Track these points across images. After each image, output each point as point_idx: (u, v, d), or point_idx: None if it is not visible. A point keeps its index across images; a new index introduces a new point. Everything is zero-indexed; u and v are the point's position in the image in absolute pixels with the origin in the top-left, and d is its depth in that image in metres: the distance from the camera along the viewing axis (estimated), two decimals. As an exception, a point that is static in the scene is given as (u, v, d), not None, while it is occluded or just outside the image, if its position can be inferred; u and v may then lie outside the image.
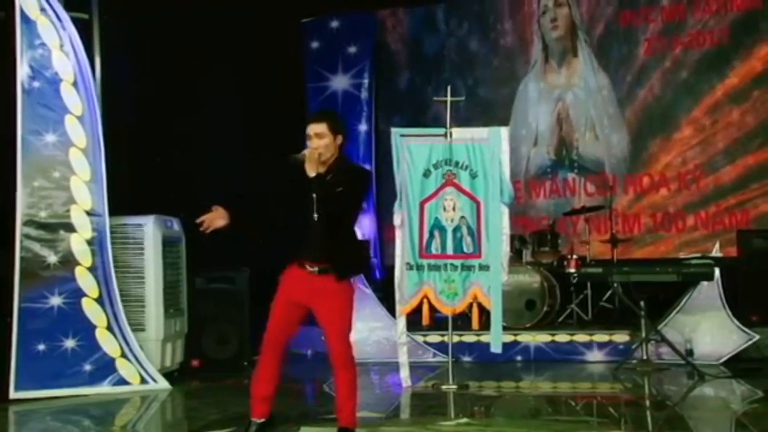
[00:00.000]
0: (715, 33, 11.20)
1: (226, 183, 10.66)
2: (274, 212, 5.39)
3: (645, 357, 8.45)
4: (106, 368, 7.69)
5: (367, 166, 12.50)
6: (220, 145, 10.73)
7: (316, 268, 5.21)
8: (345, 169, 5.33)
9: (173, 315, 8.62)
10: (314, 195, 5.18)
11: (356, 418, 5.37)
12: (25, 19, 7.72)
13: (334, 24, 12.74)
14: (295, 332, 5.43)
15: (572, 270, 9.89)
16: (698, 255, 9.43)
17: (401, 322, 7.77)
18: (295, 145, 11.72)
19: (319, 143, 5.21)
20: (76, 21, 8.08)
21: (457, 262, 7.70)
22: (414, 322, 8.14)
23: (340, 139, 5.30)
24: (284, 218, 5.34)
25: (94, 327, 7.71)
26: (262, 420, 5.38)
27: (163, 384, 7.88)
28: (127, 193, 8.71)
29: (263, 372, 5.36)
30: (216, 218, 5.24)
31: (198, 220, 5.26)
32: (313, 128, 5.25)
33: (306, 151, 5.22)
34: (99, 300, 7.76)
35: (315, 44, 12.81)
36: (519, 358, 9.13)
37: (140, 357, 7.85)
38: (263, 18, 11.35)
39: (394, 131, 7.91)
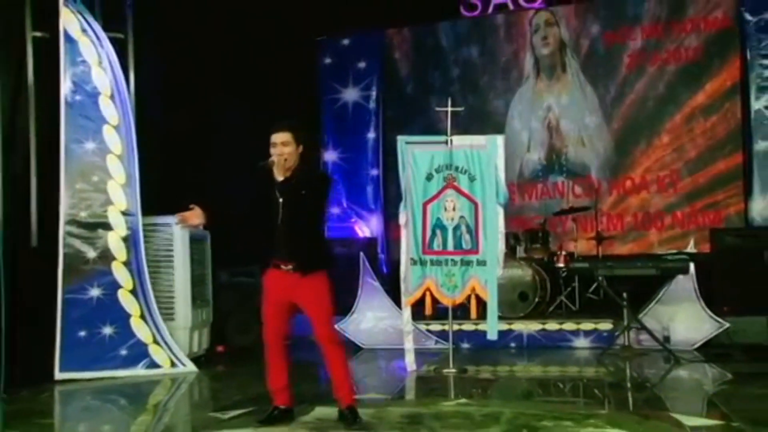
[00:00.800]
0: (690, 50, 11.21)
1: (246, 186, 10.73)
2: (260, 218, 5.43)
3: (627, 343, 8.45)
4: (139, 353, 7.77)
5: (375, 171, 12.59)
6: (242, 151, 10.76)
7: (289, 266, 5.25)
8: (308, 175, 5.37)
9: (200, 306, 8.67)
10: (281, 199, 5.23)
11: (354, 396, 5.43)
12: (68, 38, 7.80)
13: (345, 42, 12.81)
14: (289, 327, 5.44)
15: (561, 265, 9.91)
16: (675, 251, 9.47)
17: (406, 312, 7.81)
18: (310, 146, 11.81)
19: (284, 150, 5.23)
20: (113, 40, 8.15)
21: (457, 258, 7.73)
22: (418, 312, 8.17)
23: (301, 148, 5.33)
24: (262, 221, 5.38)
25: (129, 316, 7.78)
26: (285, 406, 5.44)
27: (191, 368, 7.94)
28: (158, 195, 8.75)
29: (272, 368, 5.41)
30: (191, 217, 5.27)
31: (175, 216, 5.30)
32: (279, 137, 5.26)
33: (273, 158, 5.24)
34: (133, 291, 7.82)
35: (328, 60, 12.89)
36: (513, 344, 9.15)
37: (170, 343, 7.91)
38: (281, 37, 11.40)
39: (400, 139, 7.93)
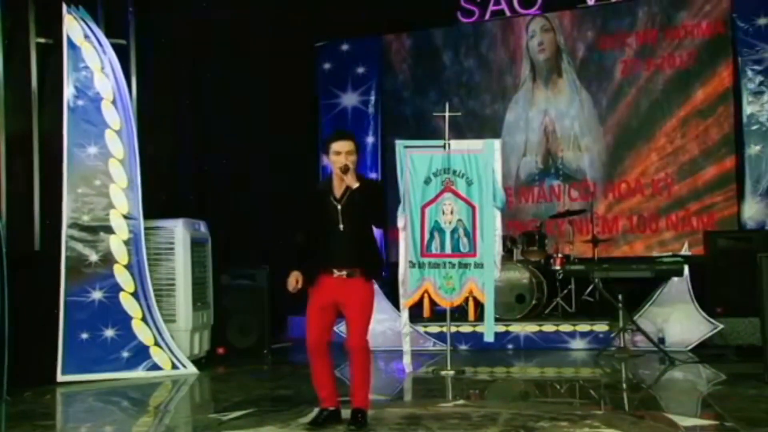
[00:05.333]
0: (684, 55, 11.20)
1: (249, 188, 10.73)
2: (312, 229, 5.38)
3: (622, 345, 8.46)
4: (141, 355, 7.76)
5: (373, 175, 12.61)
6: (242, 154, 10.77)
7: (344, 272, 5.22)
8: (366, 184, 5.33)
9: (201, 308, 8.66)
10: (339, 207, 5.22)
11: (369, 400, 5.40)
12: (72, 45, 7.82)
13: (345, 47, 12.80)
14: (331, 334, 5.41)
15: (558, 267, 9.91)
16: (669, 254, 9.47)
17: (404, 314, 7.77)
18: (309, 150, 11.80)
19: (349, 158, 5.21)
20: (115, 46, 8.17)
21: (455, 261, 7.72)
22: (416, 314, 8.17)
23: (358, 157, 5.33)
24: (315, 233, 5.33)
25: (130, 318, 7.78)
26: (334, 407, 5.38)
27: (192, 369, 7.93)
28: (159, 199, 8.76)
29: (318, 376, 5.35)
30: (296, 281, 5.23)
31: (290, 288, 5.25)
32: (344, 146, 5.23)
33: (341, 165, 5.19)
34: (135, 294, 7.82)
35: (327, 65, 12.88)
36: (510, 346, 9.15)
37: (171, 345, 7.91)
38: (281, 43, 11.40)
39: (398, 143, 7.92)
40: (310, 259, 5.30)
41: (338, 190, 5.29)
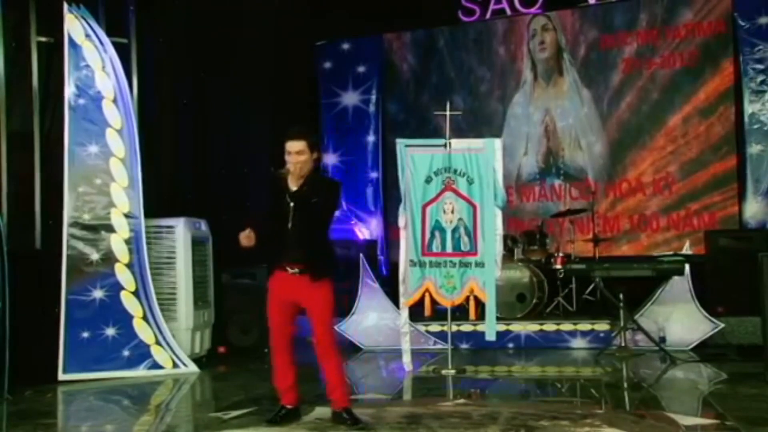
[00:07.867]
0: (685, 55, 11.22)
1: (249, 188, 10.74)
2: (270, 223, 5.42)
3: (623, 344, 8.46)
4: (142, 354, 7.76)
5: (375, 174, 12.61)
6: (243, 153, 10.78)
7: (296, 270, 5.26)
8: (319, 182, 5.39)
9: (201, 307, 8.66)
10: (291, 204, 5.24)
11: (348, 397, 5.45)
12: (72, 44, 7.81)
13: (345, 46, 12.82)
14: (294, 328, 5.44)
15: (559, 266, 9.91)
16: (670, 253, 9.46)
17: (405, 313, 7.76)
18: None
19: (299, 159, 5.22)
20: (116, 45, 8.17)
21: (456, 260, 7.72)
22: (417, 313, 8.15)
23: (315, 154, 5.34)
24: (272, 227, 5.36)
25: (131, 317, 7.77)
26: (292, 406, 5.43)
27: (193, 368, 7.93)
28: (160, 198, 8.76)
29: (279, 369, 5.43)
30: (248, 240, 5.19)
31: (241, 235, 5.19)
32: (293, 146, 5.25)
33: (289, 166, 5.24)
34: (136, 293, 7.81)
35: (328, 64, 12.90)
36: (511, 345, 9.14)
37: (172, 344, 7.90)
38: (282, 42, 11.41)
39: (399, 142, 7.92)
40: (269, 248, 5.34)
41: (292, 188, 5.31)
